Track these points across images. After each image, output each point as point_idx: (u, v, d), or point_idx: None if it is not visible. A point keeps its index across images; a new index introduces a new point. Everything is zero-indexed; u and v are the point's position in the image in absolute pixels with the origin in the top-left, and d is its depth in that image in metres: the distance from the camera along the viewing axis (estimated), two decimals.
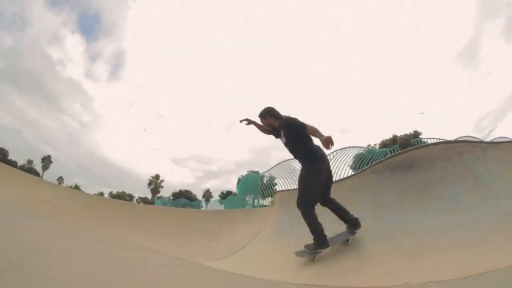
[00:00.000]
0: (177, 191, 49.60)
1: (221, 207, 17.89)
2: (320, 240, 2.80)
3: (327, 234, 2.84)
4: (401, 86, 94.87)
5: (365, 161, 10.84)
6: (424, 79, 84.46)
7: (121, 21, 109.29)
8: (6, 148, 41.19)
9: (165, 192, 51.45)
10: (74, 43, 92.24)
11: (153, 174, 54.36)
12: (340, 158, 10.06)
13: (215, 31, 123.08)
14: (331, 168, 3.36)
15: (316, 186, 2.88)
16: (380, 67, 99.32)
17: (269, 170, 11.36)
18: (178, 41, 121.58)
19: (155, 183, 53.28)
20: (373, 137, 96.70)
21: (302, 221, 2.88)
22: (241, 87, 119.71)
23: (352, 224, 3.05)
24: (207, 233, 5.74)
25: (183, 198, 32.48)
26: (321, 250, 2.79)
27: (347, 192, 3.87)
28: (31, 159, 47.81)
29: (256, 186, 12.05)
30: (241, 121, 3.24)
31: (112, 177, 76.76)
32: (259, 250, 4.10)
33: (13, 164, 32.93)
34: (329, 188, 3.09)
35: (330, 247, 2.85)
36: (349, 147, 10.48)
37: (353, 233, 3.04)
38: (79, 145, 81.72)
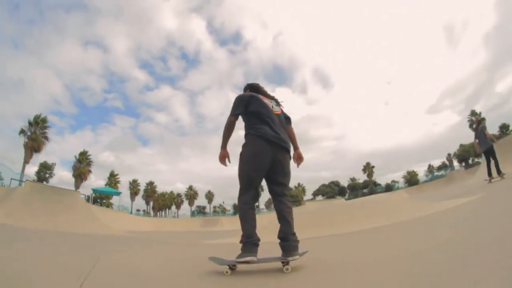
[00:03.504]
0: None
1: None
2: (245, 245, 2.02)
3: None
4: None
5: None
6: None
7: (291, 51, 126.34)
8: None
9: None
10: (282, 95, 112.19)
11: None
12: None
13: None
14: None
15: (247, 176, 2.14)
16: None
17: None
18: None
19: None
20: None
21: None
22: None
23: (286, 247, 1.99)
24: None
25: None
26: (243, 260, 1.94)
27: None
28: None
29: None
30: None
31: None
32: None
33: None
34: (278, 185, 2.19)
35: (256, 260, 1.98)
36: None
37: (285, 259, 1.95)
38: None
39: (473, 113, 47.58)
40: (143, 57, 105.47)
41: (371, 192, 44.00)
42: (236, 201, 4.02)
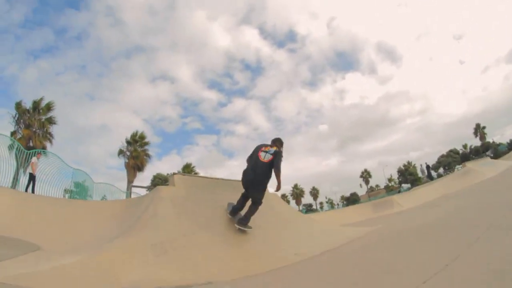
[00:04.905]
0: None
1: None
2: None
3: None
4: None
5: None
6: None
7: (348, 34, 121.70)
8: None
9: None
10: (352, 81, 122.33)
11: None
12: None
13: None
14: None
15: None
16: None
17: None
18: None
19: None
20: None
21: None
22: None
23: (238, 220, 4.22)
24: None
25: None
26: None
27: None
28: None
29: None
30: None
31: None
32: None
33: None
34: (250, 195, 4.24)
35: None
36: None
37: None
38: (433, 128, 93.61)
39: None
40: (209, 78, 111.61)
41: (496, 154, 36.02)
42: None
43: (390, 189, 52.06)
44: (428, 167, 25.23)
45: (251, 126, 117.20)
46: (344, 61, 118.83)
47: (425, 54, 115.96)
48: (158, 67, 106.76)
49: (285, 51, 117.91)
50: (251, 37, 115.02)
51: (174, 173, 4.66)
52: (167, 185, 4.42)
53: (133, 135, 29.03)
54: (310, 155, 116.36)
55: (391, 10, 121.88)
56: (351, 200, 57.23)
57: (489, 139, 48.75)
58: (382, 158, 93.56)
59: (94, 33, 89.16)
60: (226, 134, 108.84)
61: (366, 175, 60.08)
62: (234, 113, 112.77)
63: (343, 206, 52.36)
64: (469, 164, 19.65)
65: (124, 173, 28.44)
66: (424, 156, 73.28)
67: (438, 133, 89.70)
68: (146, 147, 29.22)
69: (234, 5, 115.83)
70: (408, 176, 50.49)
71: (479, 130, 49.87)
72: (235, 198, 4.47)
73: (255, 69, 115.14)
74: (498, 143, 46.17)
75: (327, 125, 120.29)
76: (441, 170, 48.26)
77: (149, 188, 13.36)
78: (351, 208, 23.56)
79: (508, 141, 44.28)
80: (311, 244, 4.15)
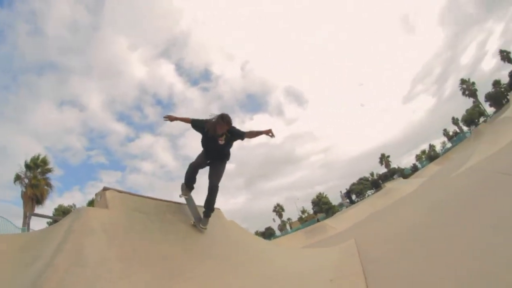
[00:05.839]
0: None
1: None
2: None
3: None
4: None
5: None
6: None
7: (260, 78, 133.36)
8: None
9: None
10: (260, 121, 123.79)
11: None
12: None
13: None
14: None
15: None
16: None
17: None
18: None
19: None
20: None
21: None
22: None
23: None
24: None
25: None
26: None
27: None
28: None
29: None
30: (164, 118, 4.03)
31: None
32: None
33: None
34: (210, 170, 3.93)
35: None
36: None
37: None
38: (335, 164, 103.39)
39: (463, 81, 51.68)
40: (119, 109, 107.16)
41: (404, 176, 43.11)
42: None
43: (304, 220, 54.28)
44: (348, 192, 27.52)
45: (158, 163, 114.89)
46: (254, 102, 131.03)
47: (330, 97, 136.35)
48: (69, 90, 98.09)
49: (198, 89, 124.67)
50: (167, 71, 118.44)
51: (105, 188, 3.15)
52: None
53: (34, 159, 23.42)
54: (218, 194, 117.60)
55: (301, 57, 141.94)
56: (267, 234, 57.74)
57: (392, 166, 57.93)
58: (289, 193, 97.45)
59: (11, 36, 75.30)
60: (131, 171, 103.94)
61: (279, 209, 61.77)
62: (141, 149, 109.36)
63: None
64: (388, 184, 22.39)
65: (20, 208, 22.12)
66: (329, 188, 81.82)
67: (341, 168, 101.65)
68: (48, 175, 23.74)
69: (159, 36, 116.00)
70: (323, 206, 54.07)
71: (384, 159, 58.55)
72: (194, 229, 3.48)
73: (166, 104, 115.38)
74: (403, 168, 55.24)
75: (234, 164, 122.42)
76: (353, 196, 54.66)
77: (55, 221, 10.04)
78: (282, 239, 23.56)
79: (411, 165, 53.61)
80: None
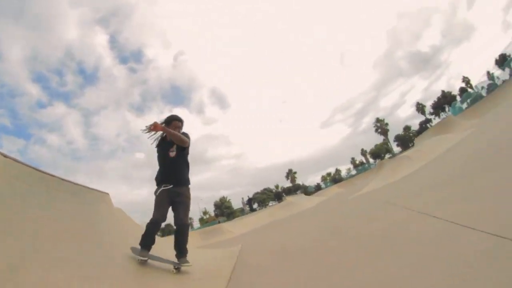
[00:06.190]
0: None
1: None
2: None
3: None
4: None
5: None
6: None
7: (191, 72, 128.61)
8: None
9: None
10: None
11: None
12: None
13: None
14: None
15: None
16: None
17: None
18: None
19: None
20: None
21: None
22: None
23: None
24: None
25: None
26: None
27: None
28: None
29: None
30: (145, 128, 3.03)
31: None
32: None
33: None
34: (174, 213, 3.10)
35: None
36: None
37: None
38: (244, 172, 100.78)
39: (378, 120, 60.37)
40: (37, 69, 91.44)
41: (306, 193, 47.75)
42: None
43: (205, 221, 54.52)
44: (250, 200, 28.02)
45: (65, 138, 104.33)
46: (177, 95, 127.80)
47: (252, 107, 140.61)
48: None
49: (126, 68, 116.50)
50: (100, 41, 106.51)
51: None
52: None
53: None
54: (122, 182, 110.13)
55: (234, 63, 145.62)
56: (166, 231, 56.59)
57: (298, 182, 63.77)
58: (194, 193, 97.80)
59: None
60: (36, 142, 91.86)
61: None
62: (51, 119, 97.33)
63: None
64: (290, 198, 24.41)
65: None
66: (234, 194, 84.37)
67: (249, 176, 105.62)
68: None
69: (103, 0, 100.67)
70: (225, 209, 55.35)
71: (291, 174, 64.02)
72: (82, 211, 3.03)
73: (89, 76, 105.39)
74: (307, 185, 60.91)
75: (144, 154, 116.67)
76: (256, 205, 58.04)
77: None
78: (170, 239, 22.78)
79: (316, 184, 59.66)
80: None
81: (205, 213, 60.73)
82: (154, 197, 2.94)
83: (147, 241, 2.84)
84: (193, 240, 18.11)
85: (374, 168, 33.17)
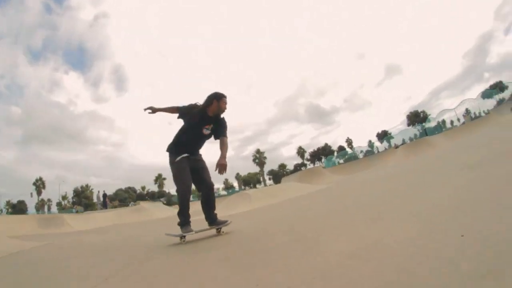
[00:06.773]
0: None
1: None
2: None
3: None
4: None
5: None
6: None
7: (105, 40, 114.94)
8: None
9: None
10: (72, 81, 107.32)
11: None
12: None
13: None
14: None
15: None
16: None
17: None
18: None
19: None
20: None
21: None
22: None
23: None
24: None
25: None
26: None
27: None
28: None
29: None
30: (145, 109, 3.31)
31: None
32: None
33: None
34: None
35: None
36: None
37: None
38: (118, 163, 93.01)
39: (258, 151, 64.85)
40: None
41: (169, 202, 44.81)
42: None
43: (62, 207, 47.46)
44: (105, 195, 24.90)
45: None
46: (80, 58, 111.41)
47: (148, 100, 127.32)
48: None
49: (43, 2, 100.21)
50: None
51: None
52: None
53: None
54: None
55: (153, 51, 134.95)
56: (18, 208, 47.47)
57: (165, 189, 60.63)
58: (62, 172, 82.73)
59: None
60: None
61: (40, 184, 53.26)
62: None
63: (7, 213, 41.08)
64: (143, 204, 22.94)
65: None
66: (102, 184, 75.57)
67: (122, 169, 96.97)
68: None
69: None
70: (83, 199, 50.11)
71: (159, 179, 61.46)
72: None
73: None
74: (173, 194, 56.47)
75: (21, 109, 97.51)
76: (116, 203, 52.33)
77: None
78: (10, 218, 18.40)
79: None
80: None
81: (64, 197, 52.60)
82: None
83: (186, 215, 2.97)
84: (27, 226, 14.55)
85: (241, 193, 34.86)
